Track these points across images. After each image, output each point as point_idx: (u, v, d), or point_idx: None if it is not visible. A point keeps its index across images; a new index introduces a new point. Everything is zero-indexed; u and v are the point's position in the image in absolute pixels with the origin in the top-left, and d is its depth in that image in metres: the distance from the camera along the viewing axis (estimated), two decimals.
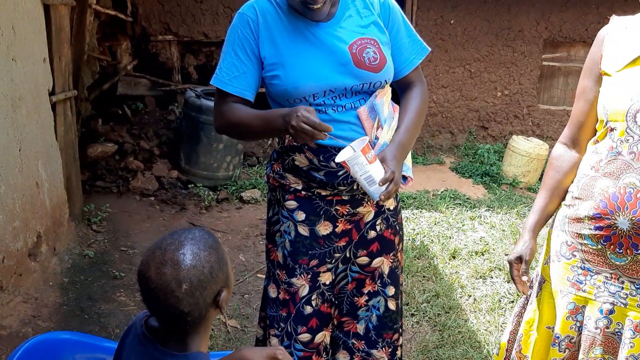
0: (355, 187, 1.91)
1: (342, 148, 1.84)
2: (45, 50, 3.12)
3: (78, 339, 1.61)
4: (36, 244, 3.02)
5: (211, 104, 4.35)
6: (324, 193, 1.92)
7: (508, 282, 3.66)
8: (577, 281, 1.94)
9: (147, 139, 4.64)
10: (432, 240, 4.11)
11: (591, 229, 1.87)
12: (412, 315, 3.27)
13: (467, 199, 4.81)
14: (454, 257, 3.92)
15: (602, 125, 1.88)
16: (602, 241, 1.86)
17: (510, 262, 2.01)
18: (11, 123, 2.72)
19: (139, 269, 1.25)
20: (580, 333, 1.97)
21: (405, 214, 4.43)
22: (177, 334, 1.29)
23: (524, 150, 5.14)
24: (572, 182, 1.98)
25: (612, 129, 1.82)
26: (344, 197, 1.93)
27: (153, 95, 5.03)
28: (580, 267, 1.94)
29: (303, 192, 1.93)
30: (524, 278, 1.99)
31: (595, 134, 1.94)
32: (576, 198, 1.92)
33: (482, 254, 3.98)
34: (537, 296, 2.08)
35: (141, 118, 4.82)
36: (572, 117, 1.99)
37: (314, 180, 1.89)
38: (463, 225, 4.36)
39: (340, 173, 1.86)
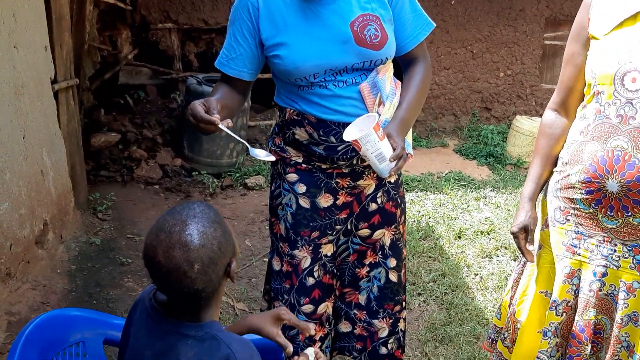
0: (354, 162, 1.91)
1: (343, 123, 1.84)
2: (46, 38, 3.12)
3: (87, 316, 1.61)
4: (43, 231, 3.03)
5: None
6: (324, 166, 1.93)
7: (514, 260, 3.66)
8: (571, 245, 1.96)
9: (150, 128, 4.64)
10: (437, 221, 4.11)
11: (582, 194, 1.88)
12: (419, 294, 3.28)
13: (471, 180, 4.81)
14: (459, 238, 3.92)
15: (589, 89, 1.88)
16: (593, 205, 1.88)
17: (514, 234, 2.02)
18: (14, 111, 2.73)
19: (145, 252, 1.24)
20: (577, 296, 1.99)
21: (410, 196, 4.43)
22: (190, 309, 1.29)
23: (527, 130, 5.12)
24: (562, 148, 2.00)
25: (599, 93, 1.82)
26: (344, 170, 1.94)
27: (154, 84, 5.02)
28: (574, 232, 1.95)
29: (303, 165, 1.94)
30: (530, 247, 2.00)
31: (583, 99, 1.95)
32: (566, 164, 1.93)
33: (488, 234, 3.98)
34: (532, 262, 2.10)
35: (143, 107, 4.81)
36: (561, 82, 1.99)
37: (314, 155, 1.90)
38: (468, 206, 4.36)
39: (340, 148, 1.87)
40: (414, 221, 4.05)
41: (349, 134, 1.74)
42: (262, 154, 1.69)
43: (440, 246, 3.77)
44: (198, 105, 1.60)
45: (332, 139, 1.85)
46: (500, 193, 4.62)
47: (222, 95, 1.82)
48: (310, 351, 1.50)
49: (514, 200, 4.50)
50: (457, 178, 4.79)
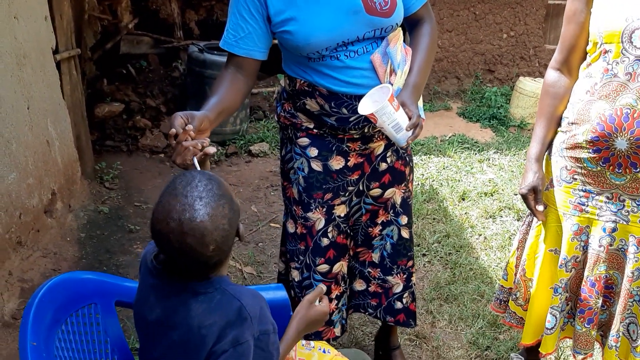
0: (366, 130, 1.93)
1: (355, 95, 1.84)
2: (46, 8, 3.11)
3: (99, 278, 1.65)
4: (51, 201, 3.07)
5: (215, 58, 4.33)
6: (335, 132, 1.94)
7: (518, 220, 3.69)
8: (579, 203, 1.98)
9: (153, 97, 4.64)
10: (441, 183, 4.13)
11: (590, 152, 1.89)
12: (424, 255, 3.32)
13: (475, 142, 4.81)
14: (463, 199, 3.95)
15: (595, 48, 1.87)
16: (601, 163, 1.89)
17: (524, 195, 2.03)
18: (18, 81, 2.74)
19: (156, 238, 1.23)
20: (585, 252, 2.02)
21: (414, 159, 4.44)
22: (199, 272, 1.30)
23: (531, 92, 5.10)
24: (567, 107, 2.00)
25: (606, 51, 1.81)
26: (354, 135, 1.95)
27: (156, 53, 5.01)
28: (582, 190, 1.97)
29: (315, 130, 1.95)
30: (540, 207, 2.02)
31: (586, 58, 1.94)
32: (572, 123, 1.93)
33: (492, 195, 4.00)
34: (538, 222, 2.12)
35: (146, 76, 4.81)
36: (563, 40, 1.97)
37: (325, 125, 1.91)
38: (472, 169, 4.37)
39: (352, 119, 1.88)
40: (418, 184, 4.07)
41: (364, 108, 1.74)
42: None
43: (444, 208, 3.80)
44: (178, 118, 1.50)
45: (344, 110, 1.86)
46: (503, 155, 4.63)
47: (222, 96, 1.75)
48: (323, 286, 1.60)
49: (518, 161, 4.52)
50: (460, 141, 4.80)
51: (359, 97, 1.81)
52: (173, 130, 1.47)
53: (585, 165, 1.92)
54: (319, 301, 1.58)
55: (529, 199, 2.03)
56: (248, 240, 3.42)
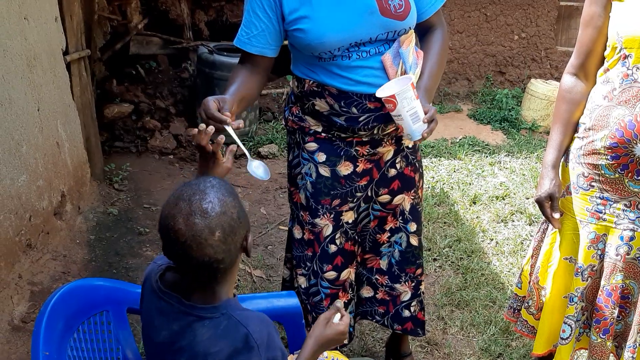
0: (375, 132, 1.90)
1: (365, 94, 1.82)
2: (56, 9, 3.10)
3: (111, 285, 1.64)
4: (61, 203, 3.06)
5: (225, 59, 4.32)
6: (343, 135, 1.92)
7: (530, 225, 3.66)
8: (596, 211, 1.94)
9: (163, 98, 4.63)
10: (452, 187, 4.10)
11: (608, 159, 1.85)
12: (435, 260, 3.29)
13: (486, 145, 4.77)
14: (474, 203, 3.91)
15: (614, 53, 1.84)
16: (619, 170, 1.85)
17: (540, 202, 2.00)
18: (28, 83, 2.73)
19: (163, 223, 1.22)
20: (602, 261, 1.99)
21: (424, 162, 4.41)
22: (203, 285, 1.28)
23: (542, 94, 5.05)
24: (583, 113, 1.96)
25: (626, 56, 1.78)
26: (363, 139, 1.93)
27: (165, 53, 4.99)
28: (599, 197, 1.93)
29: (323, 134, 1.93)
30: (556, 215, 1.99)
31: (603, 63, 1.91)
32: (589, 129, 1.90)
33: (503, 199, 3.97)
34: (553, 229, 2.09)
35: (155, 77, 4.79)
36: (580, 45, 1.94)
37: (334, 125, 1.89)
38: (483, 171, 4.34)
39: (362, 119, 1.86)
40: (429, 187, 4.04)
41: (383, 91, 1.71)
42: (259, 171, 1.64)
43: (455, 212, 3.77)
44: (211, 102, 1.58)
45: (354, 110, 1.84)
46: (515, 158, 4.59)
47: (240, 85, 1.77)
48: (339, 303, 1.52)
49: (529, 164, 4.48)
50: (471, 143, 4.76)
51: (369, 96, 1.80)
52: (219, 116, 1.55)
53: (602, 172, 1.88)
54: (340, 318, 1.50)
55: (545, 206, 2.00)
56: (257, 243, 3.40)
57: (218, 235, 1.20)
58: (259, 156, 4.46)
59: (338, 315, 1.48)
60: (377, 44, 1.79)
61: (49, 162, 2.92)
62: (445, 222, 3.66)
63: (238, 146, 1.59)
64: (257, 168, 1.63)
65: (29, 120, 2.72)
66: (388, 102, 1.68)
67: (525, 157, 4.60)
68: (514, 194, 4.03)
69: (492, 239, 3.53)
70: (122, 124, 4.37)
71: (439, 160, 4.48)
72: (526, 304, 2.22)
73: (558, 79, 5.64)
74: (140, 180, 3.92)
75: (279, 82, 5.38)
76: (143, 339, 1.41)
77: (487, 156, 4.58)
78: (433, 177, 4.21)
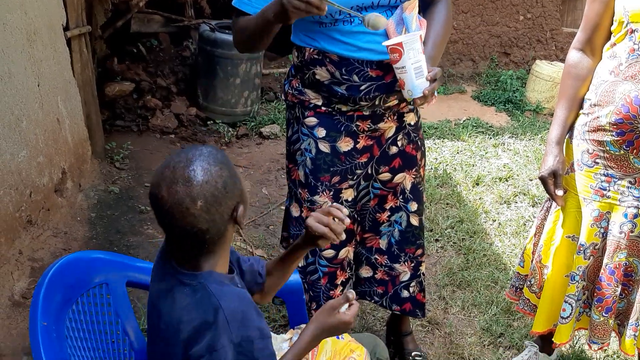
0: (377, 103, 1.87)
1: (366, 61, 1.79)
2: None
3: (110, 258, 1.63)
4: (61, 180, 3.05)
5: (226, 37, 4.27)
6: (344, 109, 1.89)
7: (533, 207, 3.64)
8: (600, 188, 1.92)
9: (164, 77, 4.59)
10: (455, 168, 4.07)
11: (613, 135, 1.83)
12: (436, 240, 3.28)
13: (489, 127, 4.74)
14: (477, 184, 3.89)
15: (620, 27, 1.81)
16: (624, 146, 1.83)
17: (543, 179, 1.98)
18: (28, 58, 2.70)
19: (150, 190, 1.23)
20: (605, 239, 1.97)
21: (427, 143, 4.36)
22: (190, 253, 1.27)
23: (547, 75, 5.01)
24: (589, 89, 1.93)
25: (632, 31, 1.75)
26: (364, 113, 1.90)
27: (167, 31, 4.94)
28: (604, 174, 1.91)
29: (323, 108, 1.90)
30: (559, 192, 1.97)
31: (610, 38, 1.88)
32: (595, 105, 1.88)
33: (506, 180, 3.94)
34: (556, 207, 2.07)
35: (156, 55, 4.75)
36: (587, 20, 1.91)
37: (335, 95, 1.86)
38: (486, 153, 4.31)
39: (363, 87, 1.82)
40: (431, 168, 4.02)
41: (393, 39, 1.66)
42: (379, 24, 1.61)
43: (457, 193, 3.75)
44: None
45: (355, 77, 1.81)
46: (519, 139, 4.55)
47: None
48: (351, 294, 1.43)
49: (533, 146, 4.44)
50: (475, 125, 4.73)
51: (371, 63, 1.77)
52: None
53: (607, 148, 1.86)
54: (348, 307, 1.43)
55: (549, 183, 1.98)
56: (259, 223, 3.39)
57: (200, 204, 1.18)
58: (261, 136, 4.43)
59: (346, 305, 1.43)
60: (379, 9, 1.75)
61: (50, 138, 2.90)
62: (447, 204, 3.64)
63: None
64: (374, 21, 1.61)
65: (29, 96, 2.69)
66: (394, 51, 1.64)
67: (529, 139, 4.57)
68: (518, 175, 4.00)
69: (494, 220, 3.51)
70: (123, 102, 4.33)
71: (442, 141, 4.45)
72: (528, 283, 2.21)
73: (563, 60, 5.56)
74: (142, 159, 3.90)
75: (281, 61, 5.34)
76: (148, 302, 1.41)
77: (490, 138, 4.55)
78: (436, 159, 4.18)
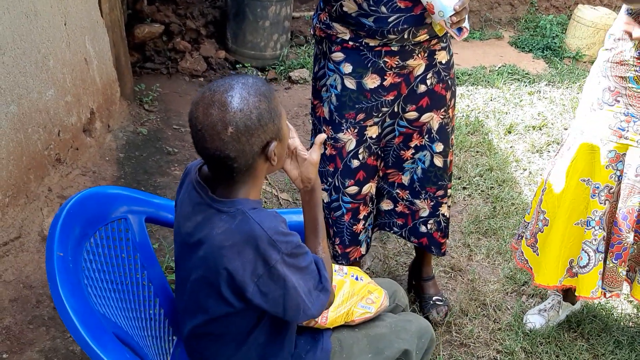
0: (405, 36, 1.80)
1: None
2: None
3: (129, 194, 1.64)
4: (90, 120, 3.07)
5: None
6: (372, 43, 1.83)
7: None
8: (619, 128, 1.90)
9: (193, 19, 4.54)
10: (487, 115, 3.97)
11: (636, 70, 1.81)
12: (464, 188, 3.23)
13: (526, 74, 4.58)
14: (509, 132, 3.79)
15: None
16: None
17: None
18: None
19: (190, 109, 1.25)
20: (620, 183, 1.95)
21: (459, 90, 4.26)
22: (224, 181, 1.29)
23: (590, 21, 4.78)
24: (613, 24, 1.90)
25: None
26: (393, 48, 1.84)
27: None
28: (624, 114, 1.89)
29: (350, 43, 1.85)
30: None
31: None
32: (619, 39, 1.85)
33: (540, 129, 3.83)
34: (570, 151, 2.04)
35: None
36: None
37: (362, 28, 1.80)
38: (521, 101, 4.18)
39: (391, 19, 1.76)
40: (463, 115, 3.92)
41: None
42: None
43: (488, 141, 3.67)
44: None
45: (383, 9, 1.74)
46: (555, 87, 4.40)
47: None
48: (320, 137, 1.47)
49: (570, 95, 4.29)
50: (510, 72, 4.58)
51: None
52: None
53: (630, 85, 1.85)
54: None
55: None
56: None
57: (231, 131, 1.19)
58: (290, 81, 4.38)
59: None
60: None
61: (77, 78, 2.91)
62: (477, 151, 3.56)
63: None
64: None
65: (55, 34, 2.69)
66: None
67: (567, 87, 4.41)
68: (552, 124, 3.88)
69: (525, 169, 3.43)
70: (152, 44, 4.32)
71: (476, 88, 4.33)
72: (526, 233, 2.19)
73: (608, 5, 5.32)
74: (170, 102, 3.91)
75: (311, 4, 5.22)
76: (174, 230, 1.44)
77: (526, 85, 4.41)
78: (468, 106, 4.08)
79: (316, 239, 1.47)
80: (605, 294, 2.08)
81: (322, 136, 1.47)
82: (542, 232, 2.09)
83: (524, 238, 2.20)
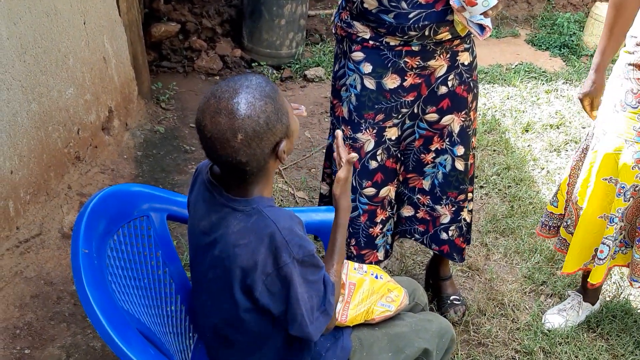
0: (426, 34, 1.80)
1: None
2: None
3: (151, 192, 1.65)
4: (108, 118, 3.10)
5: None
6: (392, 43, 1.83)
7: None
8: None
9: (209, 18, 4.56)
10: (504, 114, 3.95)
11: None
12: (482, 187, 3.22)
13: (543, 72, 4.55)
14: (527, 131, 3.77)
15: None
16: None
17: (579, 100, 2.12)
18: None
19: (196, 116, 1.24)
20: None
21: None
22: (238, 182, 1.30)
23: None
24: (633, 25, 1.89)
25: None
26: (414, 48, 1.83)
27: None
28: None
29: (371, 42, 1.84)
30: (595, 113, 2.08)
31: None
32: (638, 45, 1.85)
33: (558, 127, 3.81)
34: (594, 149, 2.04)
35: None
36: None
37: (383, 25, 1.79)
38: (538, 99, 4.15)
39: (412, 15, 1.75)
40: (480, 114, 3.90)
41: None
42: None
43: (505, 140, 3.65)
44: None
45: (403, 4, 1.73)
46: (573, 86, 4.36)
47: None
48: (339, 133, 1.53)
49: None
50: (527, 70, 4.54)
51: None
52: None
53: None
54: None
55: (584, 103, 2.11)
56: (301, 165, 3.39)
57: (240, 138, 1.18)
58: (305, 79, 4.38)
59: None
60: None
61: (96, 76, 2.93)
62: (494, 150, 3.55)
63: None
64: None
65: (75, 33, 2.71)
66: None
67: None
68: (570, 122, 3.85)
69: (543, 168, 3.41)
70: (169, 43, 4.34)
71: (492, 86, 4.30)
72: (565, 223, 2.20)
73: None
74: (187, 100, 3.93)
75: (327, 2, 5.22)
76: (188, 231, 1.45)
77: (543, 83, 4.37)
78: (485, 104, 4.05)
79: (330, 260, 1.44)
80: (632, 284, 2.13)
81: (339, 133, 1.50)
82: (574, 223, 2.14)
83: (562, 227, 2.23)
